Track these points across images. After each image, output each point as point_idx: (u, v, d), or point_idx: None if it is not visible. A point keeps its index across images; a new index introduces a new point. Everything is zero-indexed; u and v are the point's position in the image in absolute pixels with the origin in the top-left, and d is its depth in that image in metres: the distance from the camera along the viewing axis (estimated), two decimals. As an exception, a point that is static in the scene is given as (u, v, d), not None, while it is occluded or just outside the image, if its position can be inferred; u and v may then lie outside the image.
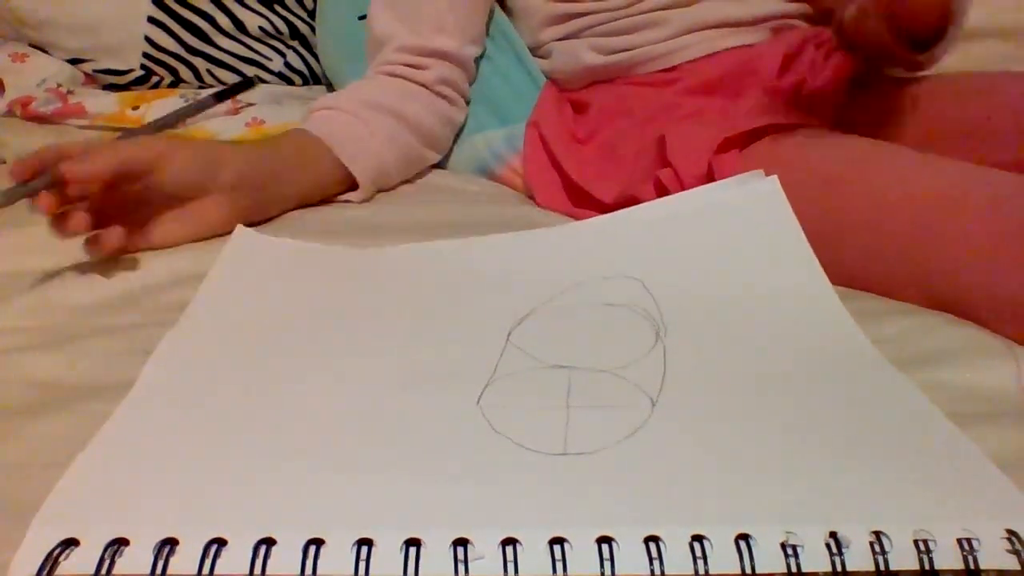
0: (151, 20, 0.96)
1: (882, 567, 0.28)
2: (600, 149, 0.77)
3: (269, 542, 0.29)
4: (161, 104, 0.91)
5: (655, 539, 0.29)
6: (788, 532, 0.29)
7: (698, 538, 0.29)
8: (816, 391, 0.39)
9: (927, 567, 0.28)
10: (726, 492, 0.32)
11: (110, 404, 0.37)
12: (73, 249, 0.54)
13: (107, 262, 0.54)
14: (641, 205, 0.56)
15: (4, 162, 0.85)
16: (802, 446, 0.35)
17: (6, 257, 0.56)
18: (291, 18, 1.01)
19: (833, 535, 0.29)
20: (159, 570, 0.28)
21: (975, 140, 0.65)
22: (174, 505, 0.32)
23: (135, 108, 0.90)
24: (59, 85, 0.93)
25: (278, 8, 1.00)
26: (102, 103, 0.90)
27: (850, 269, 0.53)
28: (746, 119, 0.66)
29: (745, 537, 0.29)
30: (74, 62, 0.96)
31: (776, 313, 0.46)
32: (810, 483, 0.32)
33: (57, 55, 0.96)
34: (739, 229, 0.53)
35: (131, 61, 0.97)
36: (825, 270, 0.50)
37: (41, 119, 0.89)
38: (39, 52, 0.96)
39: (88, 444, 0.35)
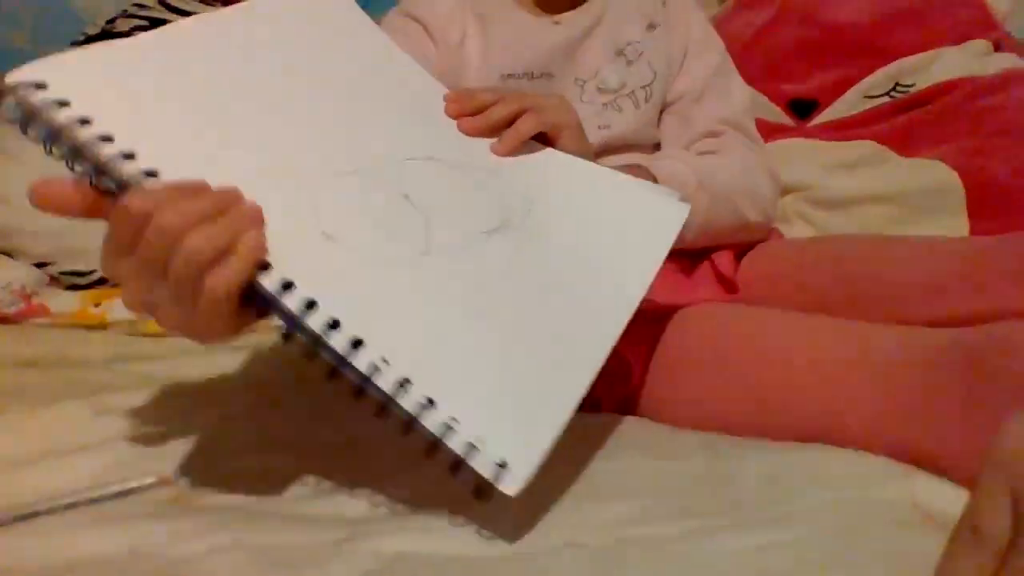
0: (115, 224, 1.02)
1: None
2: None
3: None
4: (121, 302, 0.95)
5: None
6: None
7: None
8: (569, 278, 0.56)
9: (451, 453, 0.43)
10: (432, 353, 0.46)
11: None
12: (43, 433, 0.56)
13: (79, 447, 0.56)
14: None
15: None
16: (503, 333, 0.50)
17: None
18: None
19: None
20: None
21: (855, 303, 0.69)
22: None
23: (97, 305, 0.95)
24: (23, 287, 0.98)
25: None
26: (64, 302, 0.96)
27: (769, 424, 0.58)
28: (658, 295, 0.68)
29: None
30: (39, 266, 1.01)
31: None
32: (464, 365, 0.47)
33: (23, 260, 1.01)
34: (624, 227, 0.61)
35: (93, 263, 1.02)
36: (749, 422, 0.58)
37: (4, 320, 0.93)
38: (5, 257, 1.01)
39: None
